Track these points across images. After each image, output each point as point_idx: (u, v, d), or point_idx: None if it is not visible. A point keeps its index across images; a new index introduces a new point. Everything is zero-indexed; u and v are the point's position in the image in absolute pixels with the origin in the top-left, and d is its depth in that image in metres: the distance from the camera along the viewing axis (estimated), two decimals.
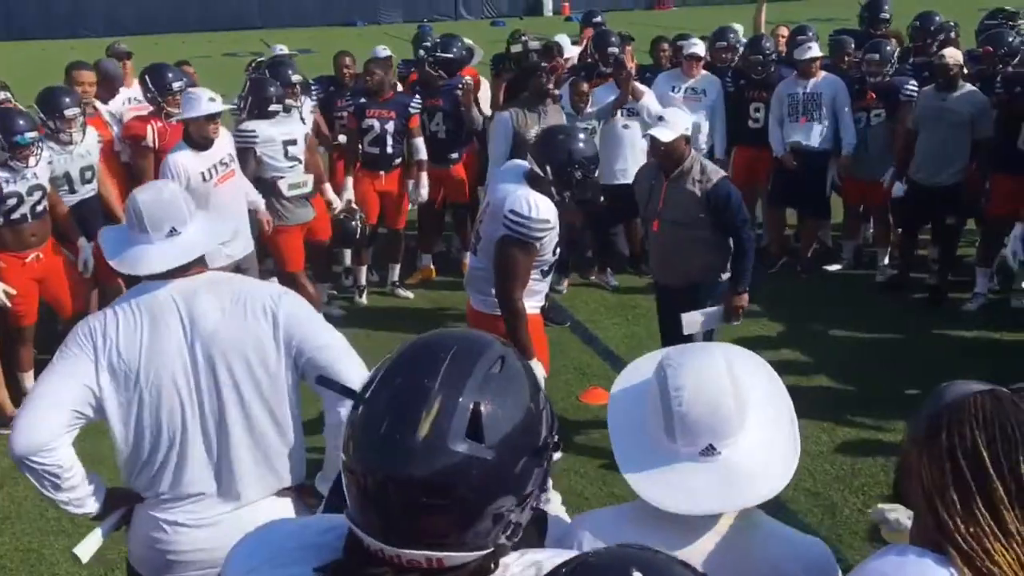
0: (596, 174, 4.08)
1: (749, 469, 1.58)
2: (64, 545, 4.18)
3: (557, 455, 4.69)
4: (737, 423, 1.59)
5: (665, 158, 4.54)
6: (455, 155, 7.15)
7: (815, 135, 7.03)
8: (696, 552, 1.58)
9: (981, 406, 1.38)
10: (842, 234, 7.79)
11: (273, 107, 6.00)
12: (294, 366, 2.45)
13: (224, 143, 5.52)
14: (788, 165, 7.12)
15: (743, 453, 1.59)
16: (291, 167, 6.11)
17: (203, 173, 5.30)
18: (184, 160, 5.24)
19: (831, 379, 5.65)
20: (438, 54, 7.22)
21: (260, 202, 5.87)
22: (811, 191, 7.14)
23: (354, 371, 2.41)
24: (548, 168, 3.90)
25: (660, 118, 4.63)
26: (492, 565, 1.20)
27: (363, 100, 6.85)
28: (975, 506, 1.33)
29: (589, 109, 6.74)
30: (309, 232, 6.61)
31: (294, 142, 6.10)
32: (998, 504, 1.32)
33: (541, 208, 3.80)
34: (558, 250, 4.05)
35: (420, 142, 6.91)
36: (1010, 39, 6.74)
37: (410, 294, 7.28)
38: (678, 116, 4.62)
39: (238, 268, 5.55)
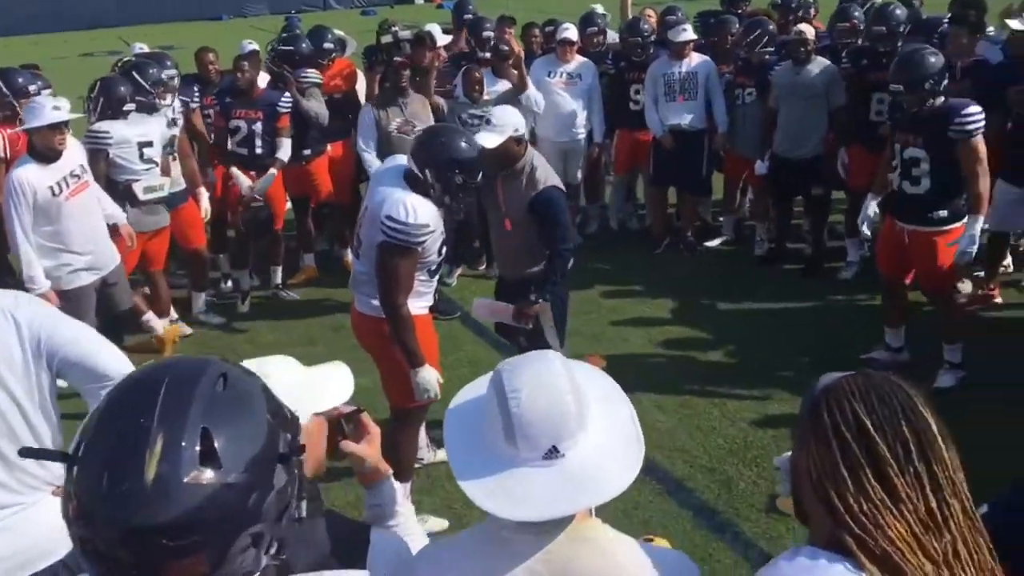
0: (479, 178, 3.95)
1: (593, 468, 1.52)
2: None
3: (440, 455, 4.51)
4: (578, 422, 1.53)
5: (493, 161, 4.26)
6: (307, 151, 6.95)
7: (692, 115, 7.15)
8: (541, 563, 1.52)
9: (855, 382, 1.42)
10: (722, 209, 7.97)
11: (127, 107, 5.68)
12: (47, 367, 2.40)
13: (74, 154, 5.07)
14: (667, 145, 7.23)
15: (587, 453, 1.52)
16: (147, 170, 5.79)
17: (51, 187, 4.87)
18: (29, 175, 4.82)
19: (718, 354, 5.77)
20: (278, 47, 7.03)
21: (119, 215, 5.51)
22: (690, 170, 7.27)
23: (112, 362, 2.41)
24: (428, 172, 3.77)
25: (488, 120, 4.41)
26: None
27: (229, 100, 6.62)
28: (865, 479, 1.34)
29: (485, 97, 6.67)
30: (184, 239, 6.35)
31: (150, 144, 5.78)
32: (887, 471, 1.34)
33: (420, 212, 3.68)
34: (444, 249, 3.96)
35: (285, 142, 6.71)
36: (856, 13, 6.99)
37: (295, 295, 7.09)
38: (507, 118, 4.38)
39: (105, 283, 5.26)
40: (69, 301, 4.88)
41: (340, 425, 1.90)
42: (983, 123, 4.77)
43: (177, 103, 6.34)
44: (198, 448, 1.07)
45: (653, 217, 7.79)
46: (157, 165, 5.85)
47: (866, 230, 5.46)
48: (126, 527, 1.04)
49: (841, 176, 6.64)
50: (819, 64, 6.57)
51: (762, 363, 5.57)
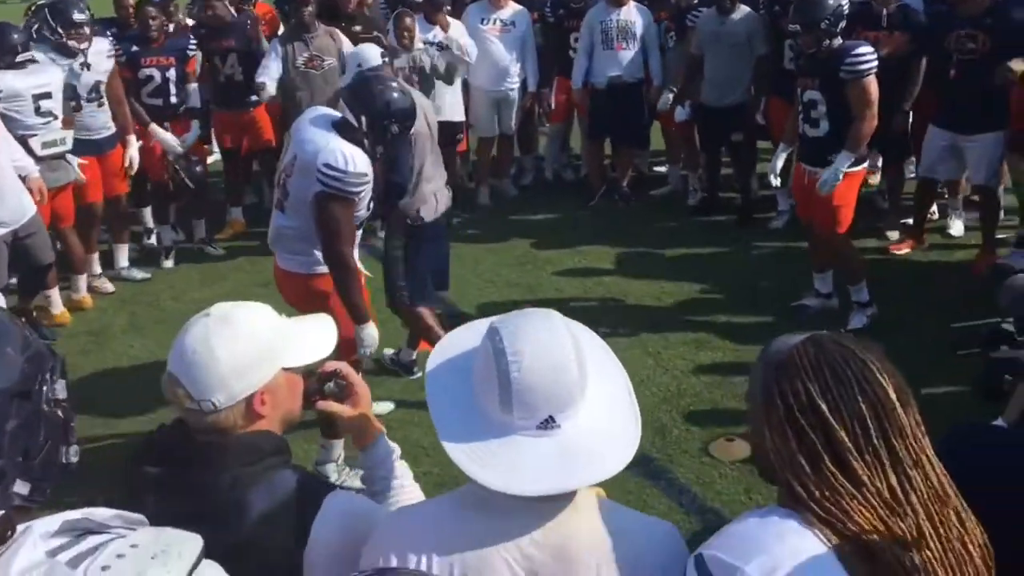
0: (412, 130, 3.85)
1: (590, 445, 1.41)
2: None
3: (389, 407, 4.51)
4: (579, 393, 1.41)
5: None
6: (255, 97, 6.67)
7: (630, 65, 7.06)
8: (536, 544, 1.41)
9: (805, 355, 1.35)
10: (665, 159, 7.96)
11: (21, 56, 5.35)
12: None
13: None
14: (581, 101, 7.22)
15: (584, 427, 1.41)
16: (44, 123, 5.46)
17: None
18: None
19: (652, 305, 5.77)
20: None
21: (31, 167, 5.22)
22: (629, 122, 7.19)
23: None
24: (363, 119, 3.64)
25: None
26: (7, 531, 1.05)
27: (135, 48, 6.30)
28: (824, 466, 1.30)
29: (418, 45, 6.49)
30: (107, 188, 6.09)
31: (48, 95, 5.44)
32: (846, 456, 1.30)
33: (357, 161, 3.54)
34: (372, 204, 3.82)
35: (194, 88, 6.53)
36: None
37: (220, 250, 6.88)
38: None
39: (16, 236, 5.02)
40: None
41: (322, 383, 1.84)
42: (875, 64, 4.80)
43: (105, 45, 5.98)
44: None
45: (589, 169, 7.72)
46: (56, 118, 5.52)
47: (774, 180, 5.49)
48: None
49: (761, 124, 6.68)
50: (742, 12, 6.55)
51: (695, 313, 5.60)
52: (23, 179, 5.14)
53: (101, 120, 5.96)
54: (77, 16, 5.71)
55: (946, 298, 5.30)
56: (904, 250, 6.22)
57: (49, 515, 1.08)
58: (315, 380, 1.86)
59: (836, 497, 1.29)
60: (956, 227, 6.44)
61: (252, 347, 1.66)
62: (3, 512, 1.04)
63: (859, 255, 5.14)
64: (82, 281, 6.05)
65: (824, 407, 1.30)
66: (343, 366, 1.87)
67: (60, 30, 5.64)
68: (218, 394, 1.62)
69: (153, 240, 6.92)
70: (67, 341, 5.58)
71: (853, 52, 4.81)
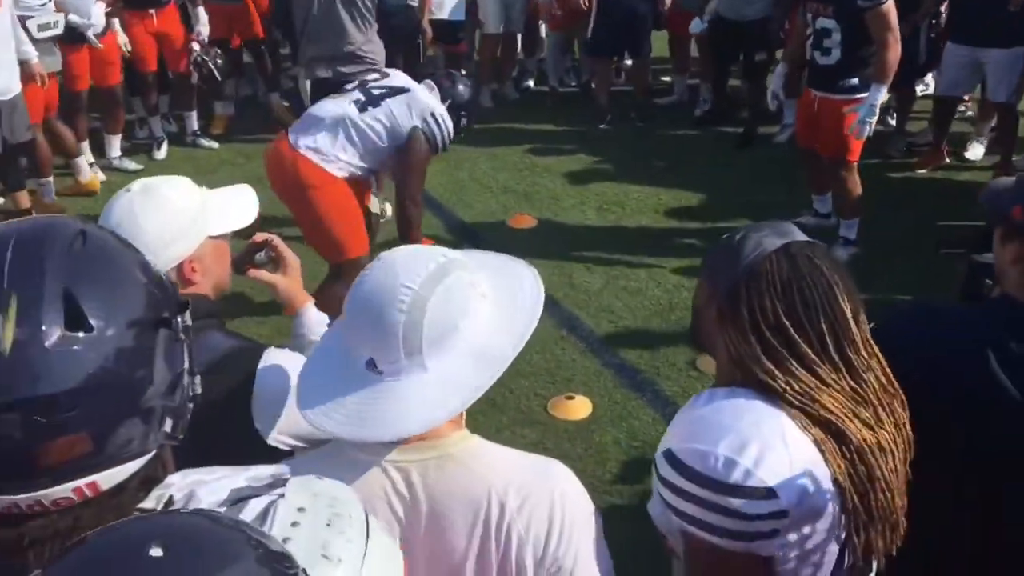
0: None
1: (401, 402, 1.30)
2: None
3: None
4: (403, 349, 1.30)
5: None
6: None
7: None
8: (384, 496, 1.33)
9: (777, 271, 1.40)
10: (672, 67, 7.76)
11: None
12: None
13: None
14: (584, 4, 6.96)
15: (406, 384, 1.31)
16: (41, 4, 5.38)
17: None
18: None
19: (649, 217, 5.70)
20: None
21: (31, 52, 5.19)
22: (635, 34, 6.95)
23: None
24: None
25: None
26: (161, 470, 1.01)
27: None
28: (792, 367, 1.37)
29: None
30: (99, 77, 5.97)
31: None
32: (811, 365, 1.37)
33: (451, 129, 4.20)
34: None
35: None
36: None
37: (214, 144, 6.75)
38: None
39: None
40: None
41: (252, 253, 1.94)
42: None
43: None
44: (62, 310, 0.92)
45: (598, 89, 7.32)
46: (50, 0, 5.42)
47: (772, 103, 5.37)
48: None
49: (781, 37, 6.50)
50: None
51: (693, 225, 5.54)
52: (22, 64, 5.13)
53: (88, 2, 5.75)
54: None
55: (949, 218, 5.22)
56: (925, 169, 6.10)
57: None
58: (246, 250, 1.93)
59: (806, 389, 1.37)
60: (975, 151, 6.24)
61: (177, 217, 1.72)
62: (154, 454, 0.99)
63: (859, 191, 5.03)
64: (83, 162, 5.97)
65: (789, 325, 1.38)
66: (272, 237, 1.94)
67: None
68: None
69: (145, 131, 6.80)
70: None
71: None
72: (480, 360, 1.33)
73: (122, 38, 6.04)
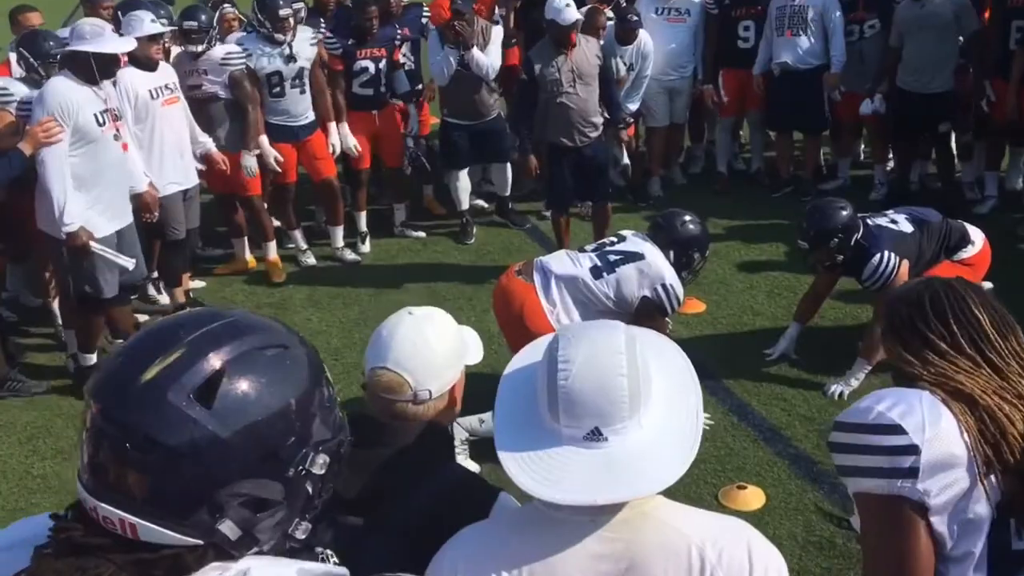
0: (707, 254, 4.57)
1: (638, 460, 1.39)
2: (52, 503, 4.13)
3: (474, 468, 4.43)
4: (629, 408, 1.39)
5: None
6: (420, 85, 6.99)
7: (803, 51, 6.83)
8: (601, 554, 1.40)
9: (913, 290, 1.84)
10: (837, 152, 7.63)
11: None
12: None
13: (168, 70, 5.52)
14: (756, 88, 7.08)
15: (632, 443, 1.39)
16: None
17: (150, 91, 5.30)
18: (131, 77, 5.21)
19: (827, 303, 5.56)
20: None
21: (209, 143, 5.78)
22: (808, 111, 6.95)
23: None
24: (672, 252, 4.30)
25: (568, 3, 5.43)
26: (193, 563, 1.06)
27: (351, 41, 6.41)
28: (928, 356, 1.73)
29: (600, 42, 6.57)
30: (313, 171, 6.43)
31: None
32: (946, 356, 1.72)
33: (680, 293, 4.31)
34: None
35: (402, 75, 6.71)
36: None
37: (421, 234, 7.02)
38: None
39: (185, 196, 5.59)
40: (163, 208, 5.31)
41: None
42: None
43: (309, 33, 6.24)
44: (203, 379, 1.04)
45: (779, 161, 7.47)
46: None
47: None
48: (100, 406, 1.05)
49: (984, 110, 6.35)
50: None
51: (869, 314, 5.35)
52: (200, 158, 5.74)
53: (302, 107, 6.24)
54: (282, 11, 5.97)
55: None
56: None
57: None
58: None
59: (939, 370, 1.71)
60: None
61: (454, 343, 1.85)
62: (201, 547, 1.06)
63: None
64: (271, 247, 6.42)
65: (921, 324, 1.76)
66: None
67: (267, 23, 5.98)
68: (433, 383, 1.79)
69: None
70: (252, 311, 5.95)
71: None
72: (672, 411, 1.45)
73: (334, 139, 6.41)
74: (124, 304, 5.13)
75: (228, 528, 1.06)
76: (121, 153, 4.80)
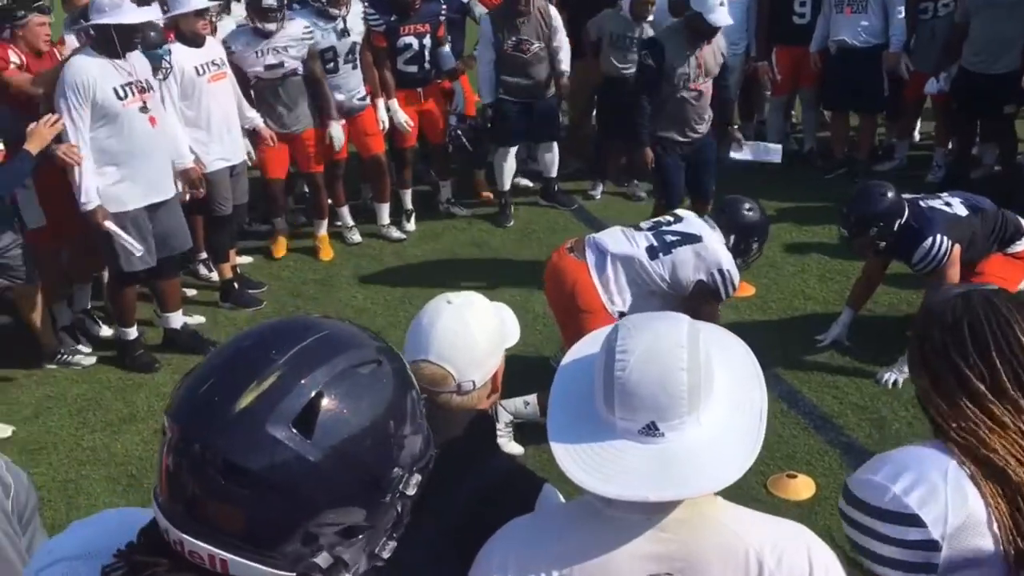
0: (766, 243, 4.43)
1: (693, 459, 1.33)
2: (101, 475, 4.18)
3: (518, 449, 4.44)
4: (688, 404, 1.33)
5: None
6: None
7: (862, 29, 6.65)
8: (656, 554, 1.35)
9: (951, 309, 1.52)
10: (896, 132, 7.44)
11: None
12: None
13: (215, 46, 5.45)
14: (812, 66, 6.93)
15: (690, 440, 1.34)
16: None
17: (196, 68, 5.23)
18: (177, 53, 5.14)
19: (879, 288, 5.43)
20: None
21: (257, 118, 5.74)
22: (866, 90, 6.77)
23: None
24: (732, 237, 4.17)
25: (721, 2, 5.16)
26: None
27: (394, 17, 6.28)
28: (963, 404, 1.46)
29: (649, 18, 6.49)
30: (363, 147, 6.43)
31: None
32: (984, 402, 1.45)
33: (736, 278, 4.16)
34: None
35: (447, 51, 6.62)
36: None
37: (466, 212, 6.99)
38: None
39: (232, 172, 5.52)
40: (210, 183, 5.30)
41: None
42: None
43: (359, 8, 6.18)
44: (302, 406, 0.98)
45: (834, 141, 7.33)
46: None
47: None
48: (189, 436, 0.98)
49: None
50: None
51: (921, 298, 5.21)
52: (250, 132, 5.71)
53: (354, 82, 6.22)
54: None
55: None
56: None
57: None
58: None
59: (973, 427, 1.43)
60: None
61: (493, 329, 1.80)
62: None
63: None
64: (323, 225, 6.42)
65: (957, 357, 1.47)
66: None
67: None
68: (477, 373, 1.75)
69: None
70: (298, 287, 5.99)
71: None
72: (734, 408, 1.39)
73: (383, 115, 6.38)
74: (171, 277, 5.17)
75: (322, 558, 1.02)
76: (148, 126, 4.72)
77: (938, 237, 4.30)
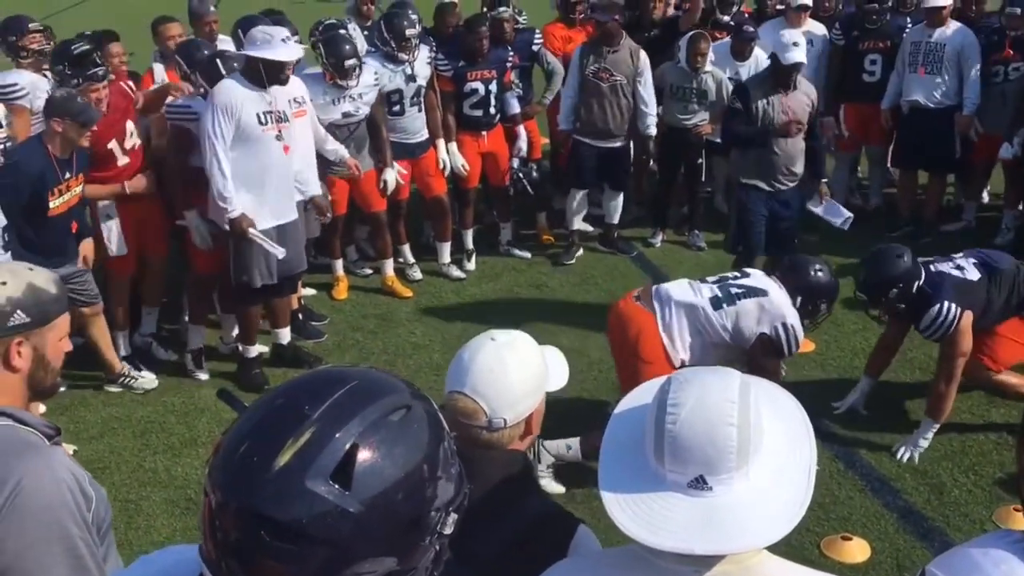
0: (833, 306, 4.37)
1: (740, 515, 1.34)
2: (161, 497, 4.29)
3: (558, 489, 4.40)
4: (737, 459, 1.34)
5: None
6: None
7: (935, 90, 6.62)
8: None
9: None
10: (965, 193, 7.34)
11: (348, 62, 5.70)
12: None
13: (298, 83, 5.33)
14: (883, 123, 6.91)
15: (738, 495, 1.35)
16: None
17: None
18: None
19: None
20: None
21: (342, 150, 5.72)
22: (937, 150, 6.71)
23: None
24: (799, 298, 4.12)
25: (795, 43, 5.23)
26: None
27: (462, 63, 6.44)
28: None
29: (707, 68, 6.58)
30: (425, 188, 6.54)
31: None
32: None
33: (800, 336, 4.13)
34: None
35: (512, 97, 6.74)
36: None
37: (527, 253, 7.04)
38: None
39: (306, 206, 5.45)
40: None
41: None
42: None
43: (426, 53, 6.31)
44: (338, 460, 1.02)
45: (901, 198, 7.27)
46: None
47: None
48: (231, 499, 1.02)
49: None
50: None
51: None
52: (329, 164, 5.68)
53: (419, 124, 6.35)
54: (408, 31, 6.07)
55: None
56: None
57: None
58: None
59: None
60: None
61: (534, 372, 1.83)
62: None
63: None
64: (388, 265, 6.50)
65: None
66: None
67: (392, 42, 6.07)
68: (509, 413, 1.78)
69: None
70: (359, 321, 6.09)
71: None
72: (783, 465, 1.39)
73: (443, 156, 6.48)
74: (285, 295, 5.40)
75: None
76: (282, 154, 4.98)
77: (945, 304, 4.23)
